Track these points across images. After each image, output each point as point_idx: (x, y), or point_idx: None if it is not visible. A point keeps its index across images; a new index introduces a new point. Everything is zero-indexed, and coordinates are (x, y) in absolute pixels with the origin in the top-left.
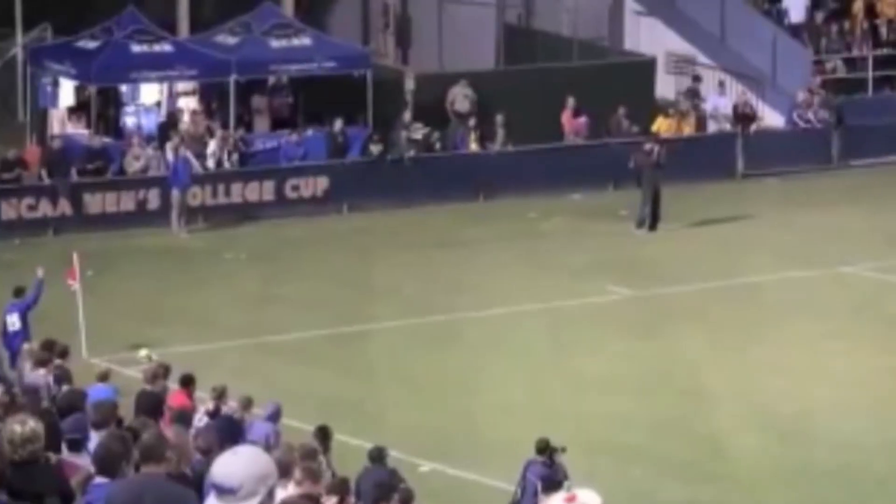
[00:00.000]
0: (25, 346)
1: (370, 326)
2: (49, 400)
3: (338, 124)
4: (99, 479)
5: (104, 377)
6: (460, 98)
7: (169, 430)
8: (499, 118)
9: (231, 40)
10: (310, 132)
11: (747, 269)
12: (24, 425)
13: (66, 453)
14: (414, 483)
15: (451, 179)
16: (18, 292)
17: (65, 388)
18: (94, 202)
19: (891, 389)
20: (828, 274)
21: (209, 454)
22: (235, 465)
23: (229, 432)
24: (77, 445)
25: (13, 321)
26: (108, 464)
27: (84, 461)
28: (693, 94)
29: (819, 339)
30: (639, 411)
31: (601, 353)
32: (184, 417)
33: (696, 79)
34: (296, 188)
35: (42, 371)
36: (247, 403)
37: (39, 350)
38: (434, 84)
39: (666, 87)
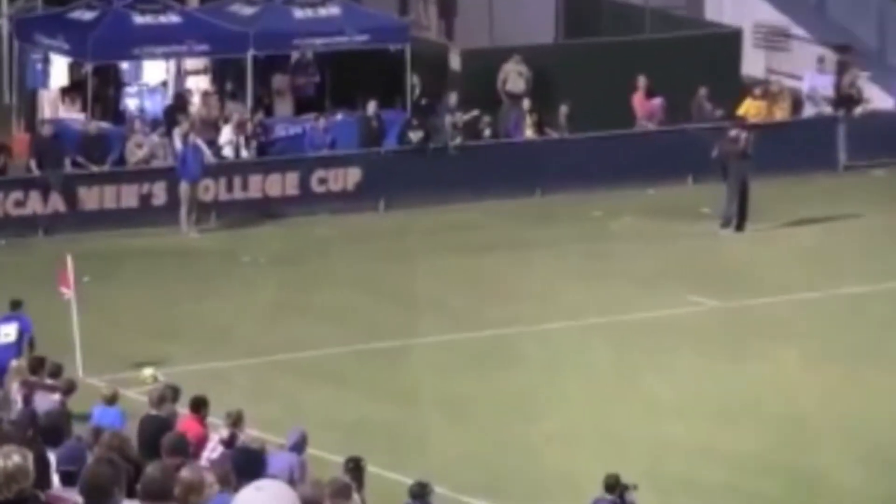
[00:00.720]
0: (14, 363)
1: (409, 342)
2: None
3: (371, 107)
4: None
5: (112, 399)
6: (514, 77)
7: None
8: (563, 109)
9: (248, 10)
10: (339, 117)
11: (850, 277)
12: (8, 459)
13: (58, 488)
14: None
15: (503, 172)
16: (15, 305)
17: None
18: (91, 197)
19: None
20: None
21: (224, 489)
22: (260, 502)
23: (247, 465)
24: (72, 479)
25: (7, 332)
26: (97, 492)
27: (75, 496)
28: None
29: None
30: (723, 442)
31: (679, 373)
32: (181, 447)
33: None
34: (323, 181)
35: (57, 396)
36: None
37: (36, 370)
38: (483, 61)
39: (754, 63)
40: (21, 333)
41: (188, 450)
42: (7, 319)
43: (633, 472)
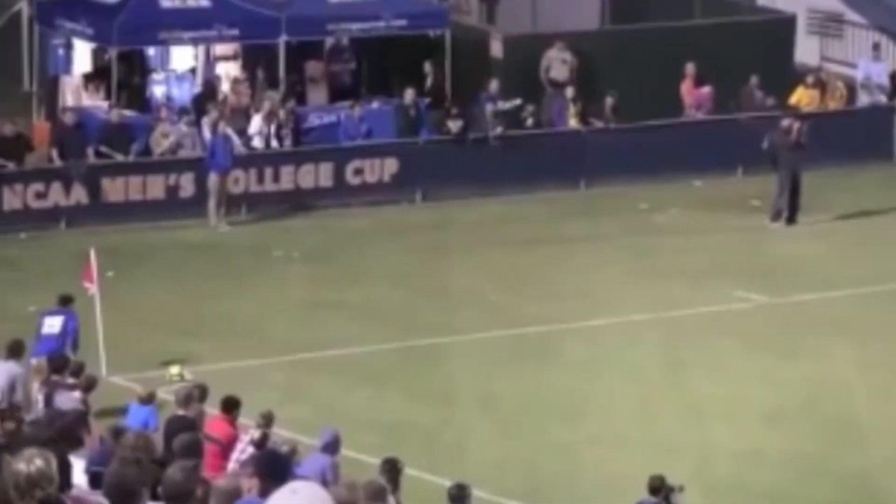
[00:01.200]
0: (34, 361)
1: (447, 339)
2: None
3: (409, 95)
4: None
5: (149, 399)
6: (557, 64)
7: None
8: (609, 100)
9: None
10: (375, 105)
11: None
12: (31, 464)
13: (85, 490)
14: None
15: (545, 162)
16: (65, 301)
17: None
18: (115, 188)
19: None
20: None
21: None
22: None
23: (271, 468)
24: (101, 480)
25: (52, 323)
26: (123, 494)
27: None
28: None
29: None
30: (774, 444)
31: (728, 373)
32: (193, 449)
33: None
34: (359, 172)
35: (77, 394)
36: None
37: (59, 369)
38: (526, 47)
39: (808, 50)
40: (66, 328)
41: (201, 452)
42: (54, 313)
43: (680, 474)
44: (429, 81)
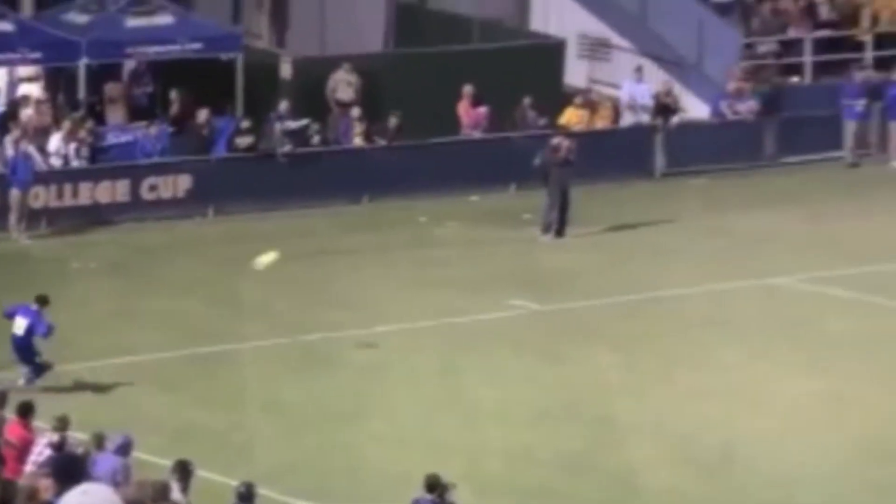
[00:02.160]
0: None
1: (236, 346)
2: None
3: (203, 115)
4: None
5: None
6: (343, 85)
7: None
8: (392, 120)
9: (81, 18)
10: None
11: (667, 281)
12: None
13: None
14: None
15: (331, 178)
16: (43, 301)
17: None
18: None
19: (826, 416)
20: (757, 286)
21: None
22: None
23: (67, 470)
24: None
25: (20, 325)
26: None
27: None
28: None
29: (746, 360)
30: (542, 444)
31: (500, 376)
32: None
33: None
34: (154, 188)
35: None
36: (98, 441)
37: None
38: (314, 69)
39: (577, 73)
40: (29, 331)
41: None
42: (23, 313)
43: (454, 472)
44: (174, 109)
